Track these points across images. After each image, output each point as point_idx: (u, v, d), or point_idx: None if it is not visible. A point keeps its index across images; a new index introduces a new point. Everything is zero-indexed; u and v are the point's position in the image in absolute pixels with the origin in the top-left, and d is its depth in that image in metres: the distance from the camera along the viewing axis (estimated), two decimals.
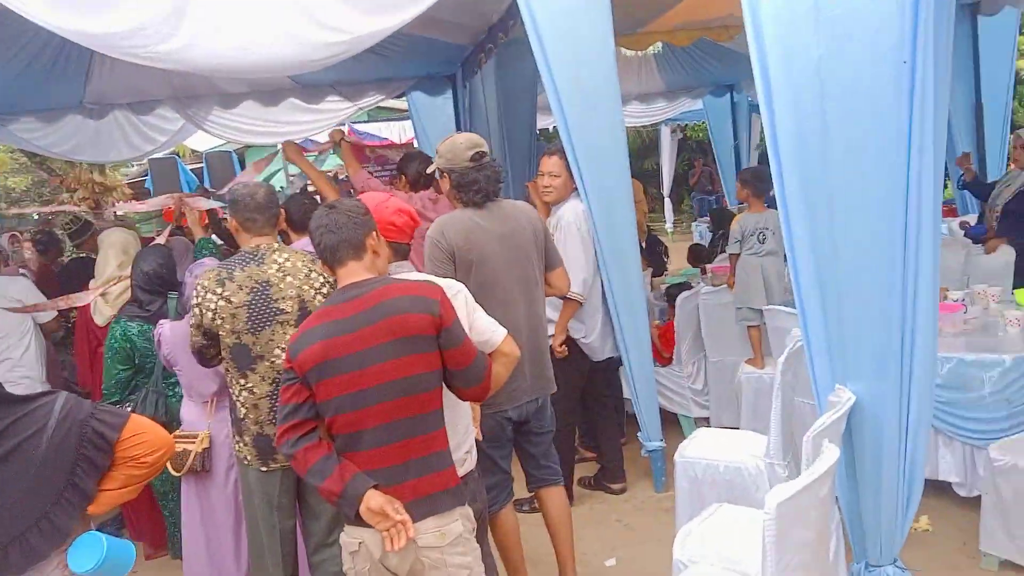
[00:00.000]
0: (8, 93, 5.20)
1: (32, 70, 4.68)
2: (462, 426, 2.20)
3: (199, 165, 11.76)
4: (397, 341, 1.86)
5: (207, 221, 4.65)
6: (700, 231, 10.46)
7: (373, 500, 1.81)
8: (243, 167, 12.24)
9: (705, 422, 4.37)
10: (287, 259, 2.54)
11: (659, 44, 7.74)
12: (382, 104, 12.69)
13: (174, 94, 6.04)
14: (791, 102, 2.08)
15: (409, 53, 5.51)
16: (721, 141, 10.34)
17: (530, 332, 2.80)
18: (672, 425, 4.28)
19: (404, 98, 6.91)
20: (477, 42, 5.36)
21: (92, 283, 4.05)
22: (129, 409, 3.17)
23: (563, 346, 3.46)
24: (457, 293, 2.19)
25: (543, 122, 7.80)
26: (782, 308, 3.38)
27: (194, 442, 2.78)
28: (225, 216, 4.59)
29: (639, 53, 7.97)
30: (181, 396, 3.10)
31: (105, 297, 3.96)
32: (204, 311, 2.43)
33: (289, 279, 2.50)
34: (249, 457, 2.53)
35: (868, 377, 2.03)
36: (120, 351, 3.26)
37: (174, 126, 6.64)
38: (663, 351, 4.37)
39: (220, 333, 2.44)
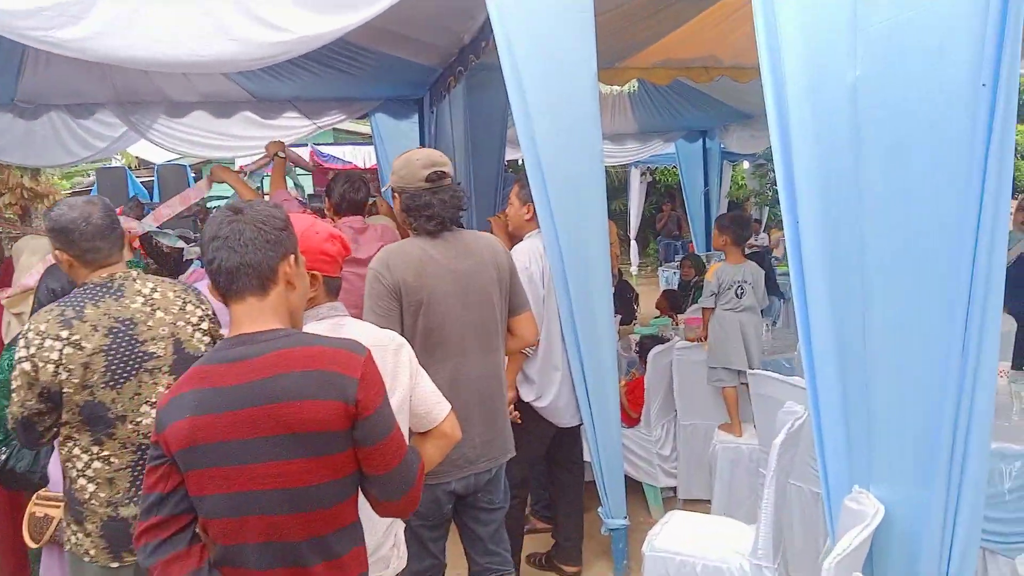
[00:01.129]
0: None
1: None
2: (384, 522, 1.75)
3: (150, 178, 11.25)
4: (290, 438, 1.33)
5: (138, 244, 4.17)
6: (667, 276, 10.23)
7: None
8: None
9: (672, 492, 3.96)
10: (154, 289, 2.04)
11: (635, 83, 7.61)
12: (348, 128, 12.42)
13: (117, 98, 5.64)
14: (813, 136, 1.73)
15: (375, 72, 5.20)
16: (691, 187, 10.21)
17: (483, 389, 2.38)
18: (634, 492, 3.86)
19: (368, 120, 6.58)
20: (447, 64, 5.01)
21: (2, 293, 3.53)
22: (3, 457, 2.64)
23: (516, 409, 2.98)
24: (399, 349, 1.76)
25: (512, 154, 7.51)
26: (771, 374, 3.01)
27: (59, 507, 2.24)
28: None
29: (614, 91, 7.82)
30: None
31: (20, 317, 3.44)
32: (42, 364, 1.85)
33: (160, 314, 2.00)
34: (93, 551, 1.95)
35: (905, 481, 1.63)
36: (4, 384, 2.75)
37: (115, 132, 6.22)
38: (630, 411, 3.96)
39: (66, 391, 1.88)
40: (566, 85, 3.03)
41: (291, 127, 6.16)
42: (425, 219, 2.34)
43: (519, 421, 2.99)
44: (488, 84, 5.26)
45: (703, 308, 3.90)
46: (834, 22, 1.73)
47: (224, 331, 2.13)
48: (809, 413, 1.89)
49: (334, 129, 11.13)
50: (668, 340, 4.11)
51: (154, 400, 1.95)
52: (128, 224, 3.82)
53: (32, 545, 2.26)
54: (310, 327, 1.68)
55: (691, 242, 10.65)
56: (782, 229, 11.86)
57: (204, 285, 2.71)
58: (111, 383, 1.91)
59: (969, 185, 1.43)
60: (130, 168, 11.60)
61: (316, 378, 1.35)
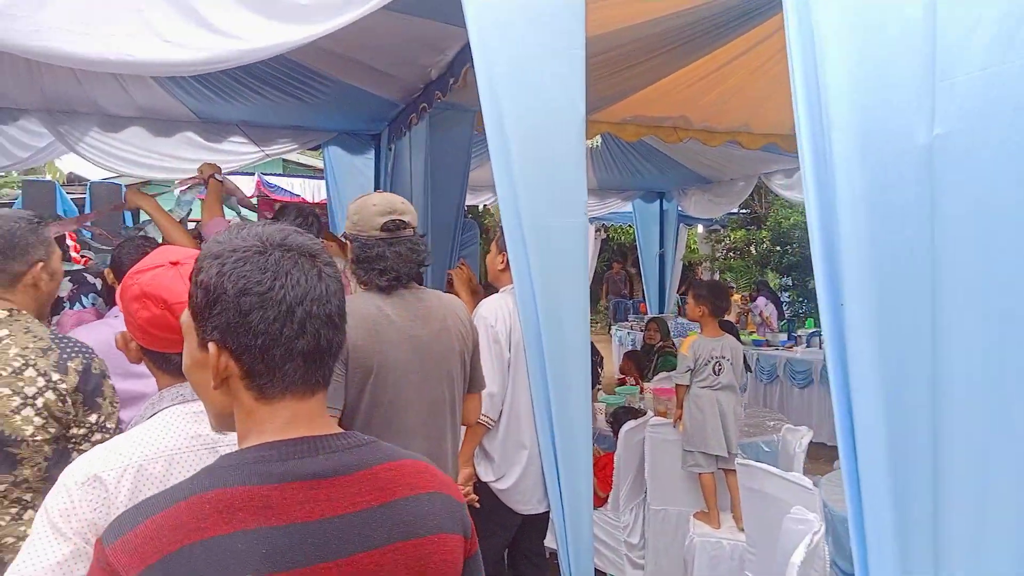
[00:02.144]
0: None
1: None
2: None
3: (83, 195, 10.58)
4: None
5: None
6: (620, 336, 10.01)
7: None
8: None
9: None
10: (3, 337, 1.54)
11: (598, 139, 7.46)
12: (299, 160, 11.98)
13: (45, 106, 5.13)
14: (865, 202, 1.44)
15: (332, 101, 4.86)
16: (647, 247, 10.10)
17: None
18: None
19: (320, 152, 6.22)
20: (410, 99, 4.70)
21: None
22: None
23: (471, 489, 2.60)
24: None
25: (471, 199, 7.25)
26: (766, 467, 2.66)
27: None
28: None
29: None
30: None
31: None
32: None
33: None
34: None
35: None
36: None
37: (39, 142, 5.69)
38: (599, 490, 3.57)
39: None
40: (552, 126, 2.72)
41: (237, 153, 5.75)
42: (377, 273, 2.00)
43: (476, 504, 2.59)
44: (453, 124, 4.98)
45: (677, 384, 3.57)
46: (901, 71, 1.45)
47: (96, 416, 1.62)
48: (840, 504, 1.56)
49: (283, 159, 10.72)
50: (641, 412, 3.76)
51: None
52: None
53: None
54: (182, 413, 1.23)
55: (643, 302, 10.51)
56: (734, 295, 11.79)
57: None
58: None
59: None
60: (60, 183, 10.89)
61: (441, 503, 0.94)
